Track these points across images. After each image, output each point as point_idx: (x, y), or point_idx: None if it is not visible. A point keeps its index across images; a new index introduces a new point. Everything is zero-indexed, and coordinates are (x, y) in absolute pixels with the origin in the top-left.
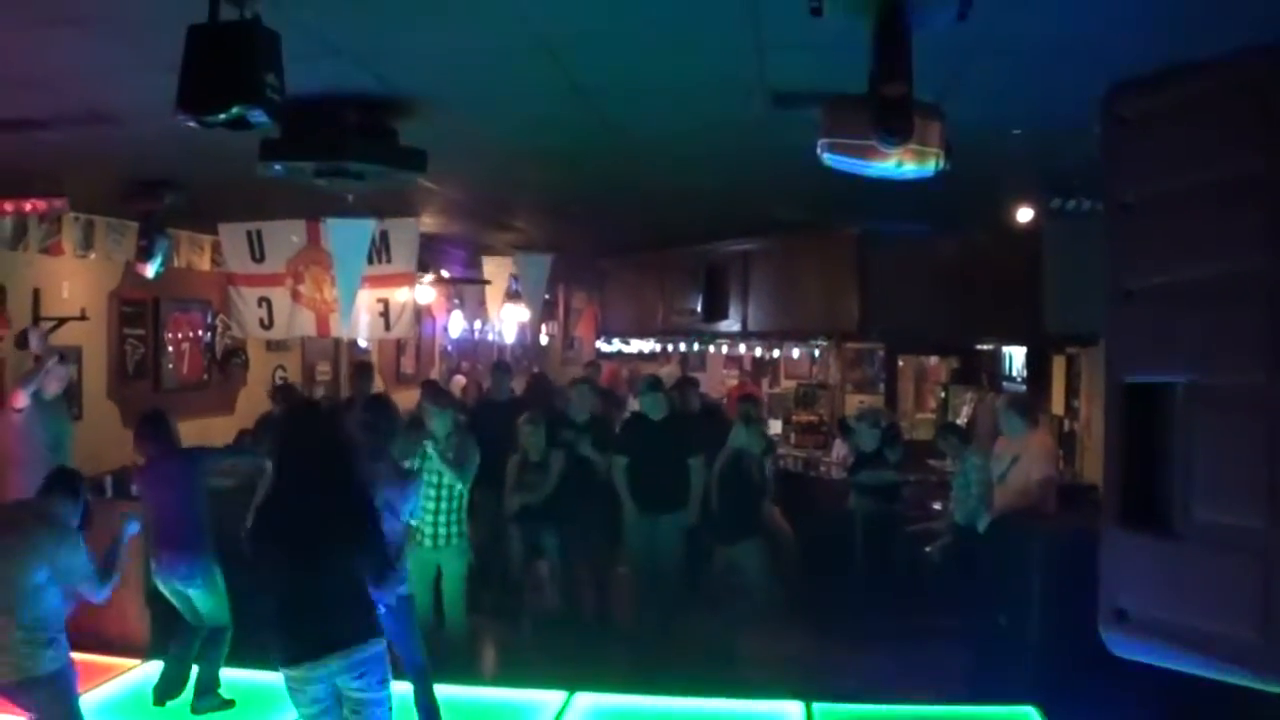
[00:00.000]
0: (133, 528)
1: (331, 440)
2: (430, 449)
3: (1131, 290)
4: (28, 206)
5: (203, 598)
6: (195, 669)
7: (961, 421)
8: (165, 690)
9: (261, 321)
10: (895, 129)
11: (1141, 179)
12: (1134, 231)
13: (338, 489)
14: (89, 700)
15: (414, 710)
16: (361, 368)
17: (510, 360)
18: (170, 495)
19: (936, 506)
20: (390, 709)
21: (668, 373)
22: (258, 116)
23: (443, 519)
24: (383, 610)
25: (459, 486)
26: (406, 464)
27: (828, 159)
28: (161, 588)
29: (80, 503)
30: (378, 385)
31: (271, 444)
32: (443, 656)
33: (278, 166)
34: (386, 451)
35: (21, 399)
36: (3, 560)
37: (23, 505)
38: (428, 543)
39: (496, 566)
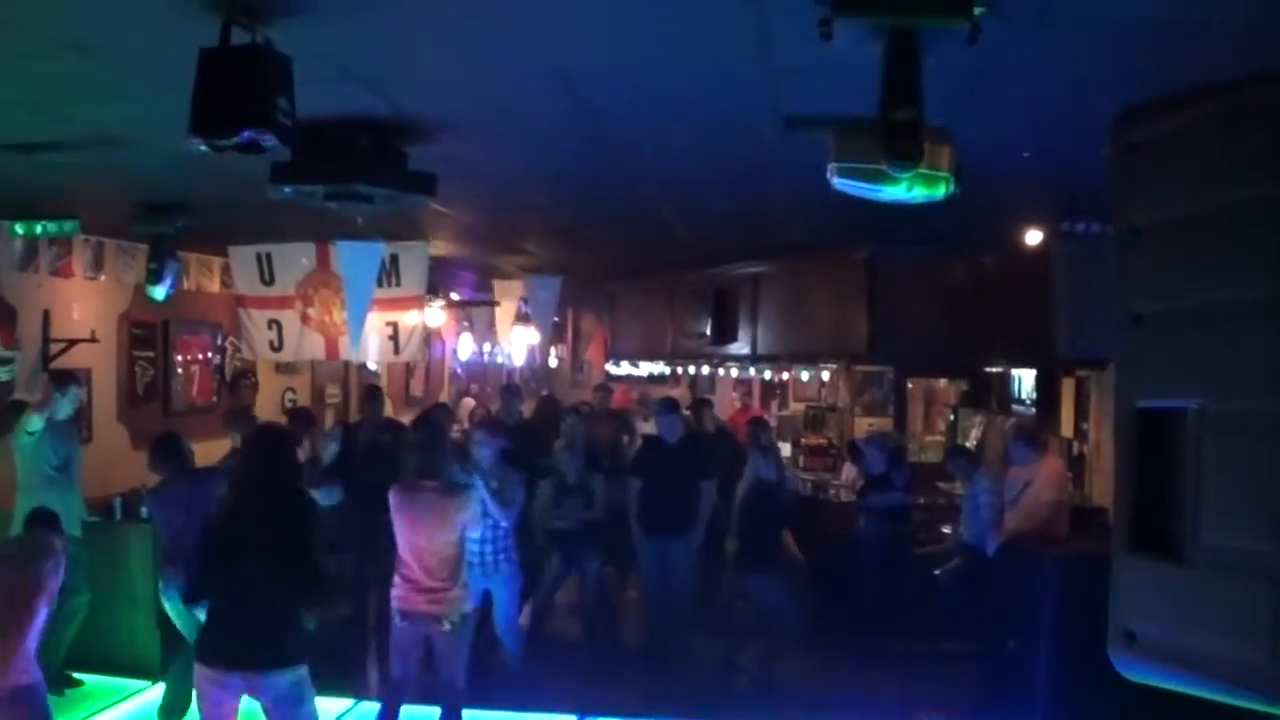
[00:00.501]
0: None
1: (279, 466)
2: (477, 480)
3: (1142, 315)
4: (38, 229)
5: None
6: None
7: (971, 444)
8: (169, 711)
9: (271, 344)
10: (905, 153)
11: (1151, 204)
12: (1144, 256)
13: (280, 511)
14: None
15: None
16: (371, 391)
17: (519, 383)
18: (181, 517)
19: (946, 529)
20: None
21: (678, 396)
22: (269, 141)
23: (489, 546)
24: (446, 627)
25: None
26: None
27: (838, 184)
28: (167, 607)
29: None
30: (387, 409)
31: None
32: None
33: (288, 189)
34: (440, 469)
35: (36, 423)
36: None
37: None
38: (476, 569)
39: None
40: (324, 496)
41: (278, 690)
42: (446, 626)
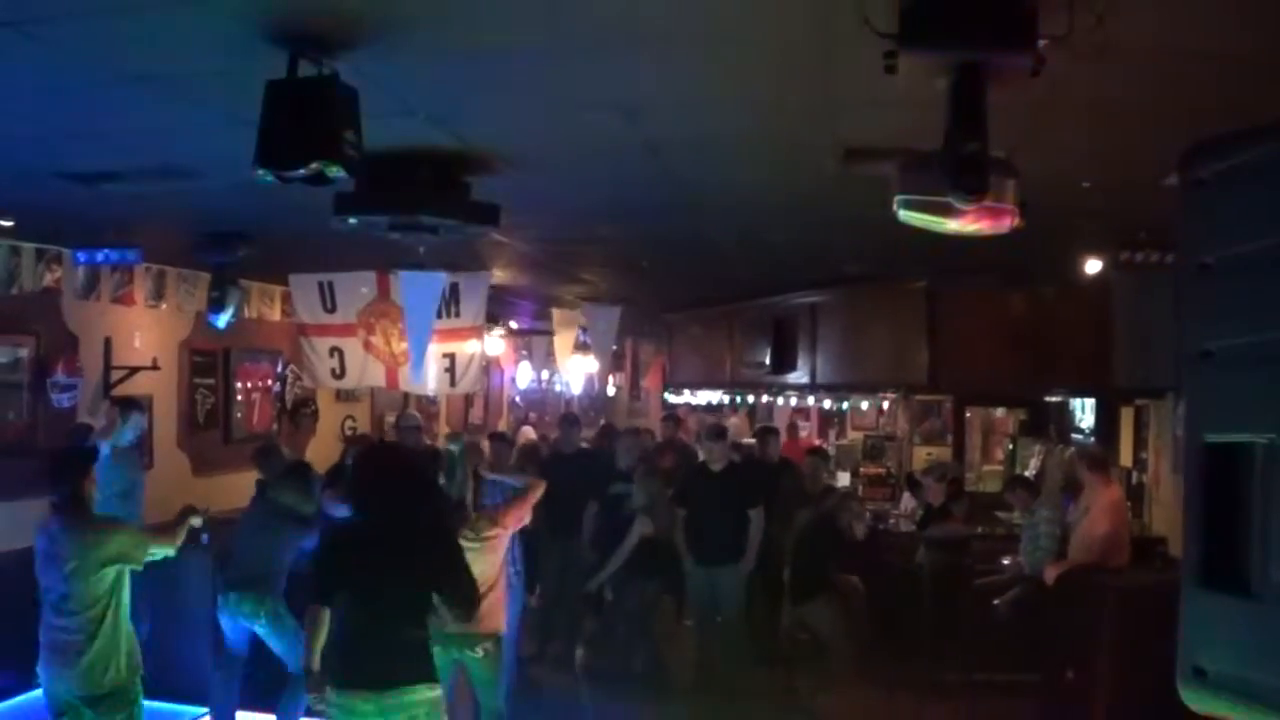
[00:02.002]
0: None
1: (413, 475)
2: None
3: (1210, 350)
4: (100, 257)
5: (271, 638)
6: (274, 716)
7: (1030, 474)
8: None
9: (333, 371)
10: (971, 186)
11: (1220, 239)
12: (1213, 292)
13: (421, 525)
14: None
15: None
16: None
17: (578, 411)
18: (248, 533)
19: (1005, 560)
20: None
21: (733, 424)
22: (336, 172)
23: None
24: (480, 653)
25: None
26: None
27: (903, 216)
28: (224, 624)
29: None
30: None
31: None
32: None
33: (352, 220)
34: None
35: (102, 449)
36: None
37: None
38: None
39: (561, 617)
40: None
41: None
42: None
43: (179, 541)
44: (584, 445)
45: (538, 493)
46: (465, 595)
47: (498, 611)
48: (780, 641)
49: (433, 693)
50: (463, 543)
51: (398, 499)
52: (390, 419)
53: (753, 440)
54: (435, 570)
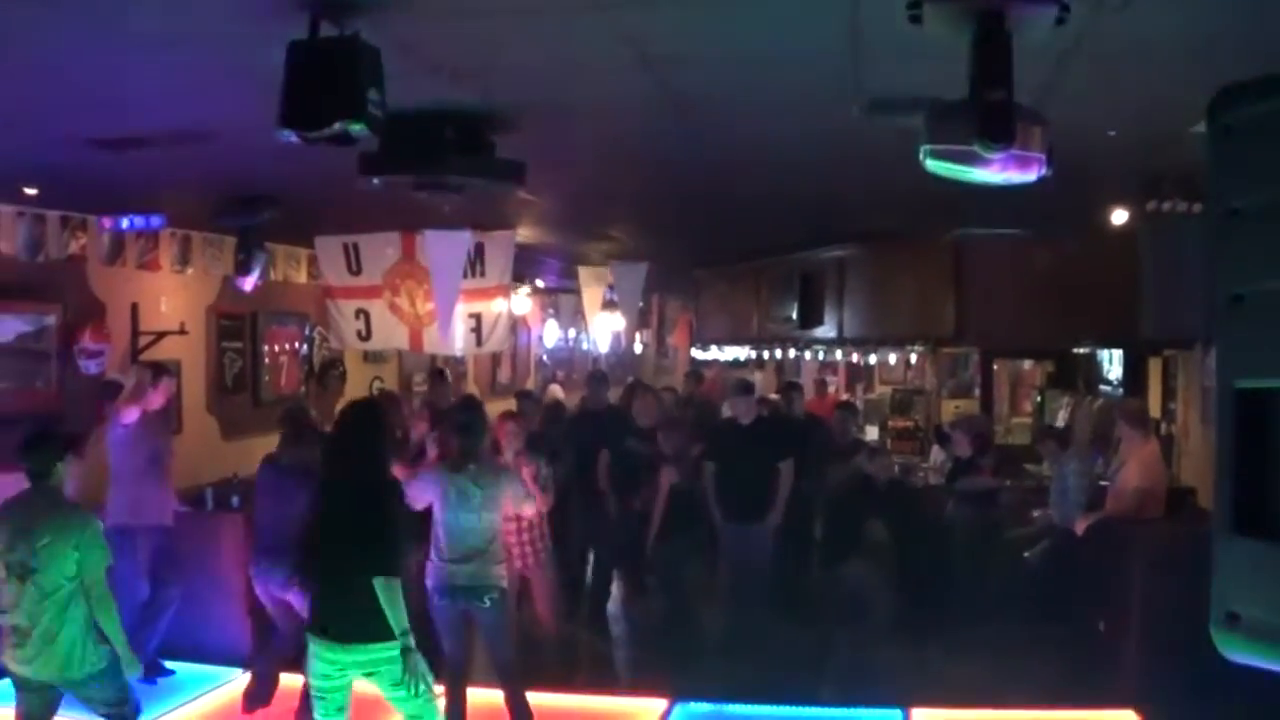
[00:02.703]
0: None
1: (363, 436)
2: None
3: (1241, 295)
4: (125, 223)
5: (303, 603)
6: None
7: (1058, 425)
8: (254, 699)
9: (359, 333)
10: (998, 134)
11: (1250, 184)
12: (1243, 236)
13: (363, 485)
14: (191, 709)
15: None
16: (438, 375)
17: (605, 369)
18: (276, 503)
19: (1034, 512)
20: (426, 702)
21: (759, 380)
22: (360, 131)
23: (525, 535)
24: (486, 603)
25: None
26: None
27: (930, 165)
28: (259, 593)
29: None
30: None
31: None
32: (541, 665)
33: (377, 180)
34: (478, 450)
35: (131, 415)
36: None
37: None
38: (517, 563)
39: (593, 575)
40: None
41: (374, 665)
42: (486, 602)
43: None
44: (611, 404)
45: (541, 508)
46: (380, 563)
47: (502, 563)
48: (814, 598)
49: (389, 651)
50: (465, 480)
51: (343, 459)
52: (419, 378)
53: (777, 395)
54: (366, 533)
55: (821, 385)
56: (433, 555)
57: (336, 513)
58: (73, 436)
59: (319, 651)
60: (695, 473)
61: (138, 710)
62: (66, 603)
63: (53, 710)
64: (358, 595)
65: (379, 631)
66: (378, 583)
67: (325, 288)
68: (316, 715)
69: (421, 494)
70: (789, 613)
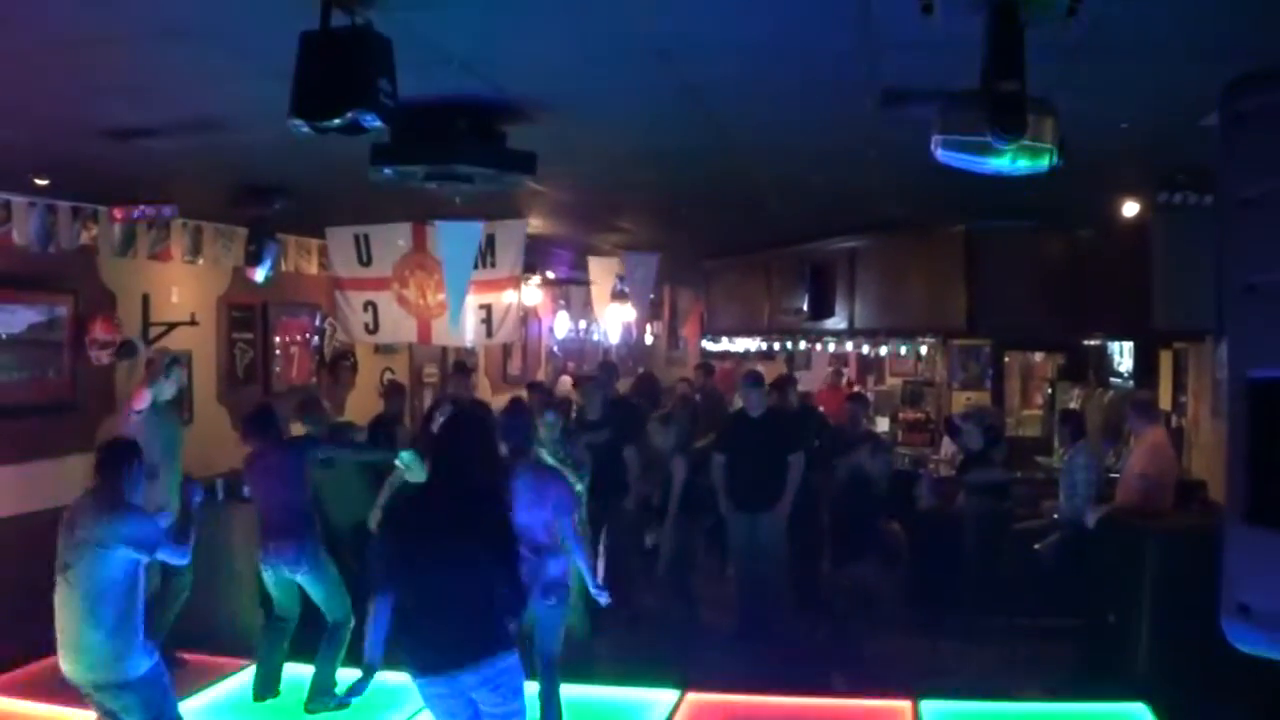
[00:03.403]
0: (197, 494)
1: (487, 450)
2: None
3: (1254, 284)
4: (136, 213)
5: (313, 585)
6: (313, 667)
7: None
8: (263, 688)
9: (366, 326)
10: (1010, 125)
11: (1262, 174)
12: (1256, 226)
13: (483, 499)
14: (202, 700)
15: (537, 702)
16: (459, 366)
17: (616, 360)
18: (277, 485)
19: (1045, 504)
20: (524, 715)
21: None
22: (371, 121)
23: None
24: (553, 600)
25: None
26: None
27: (941, 156)
28: (268, 579)
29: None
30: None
31: (429, 444)
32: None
33: (388, 171)
34: (529, 449)
35: (143, 400)
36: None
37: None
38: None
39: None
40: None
41: (498, 678)
42: (553, 599)
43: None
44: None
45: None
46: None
47: (562, 561)
48: (823, 591)
49: (510, 659)
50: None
51: (460, 470)
52: (429, 370)
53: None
54: (487, 546)
55: (837, 375)
56: None
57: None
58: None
59: (427, 691)
60: (701, 464)
61: None
62: (95, 603)
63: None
64: (474, 615)
65: (497, 641)
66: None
67: (335, 279)
68: None
69: None
70: (797, 604)
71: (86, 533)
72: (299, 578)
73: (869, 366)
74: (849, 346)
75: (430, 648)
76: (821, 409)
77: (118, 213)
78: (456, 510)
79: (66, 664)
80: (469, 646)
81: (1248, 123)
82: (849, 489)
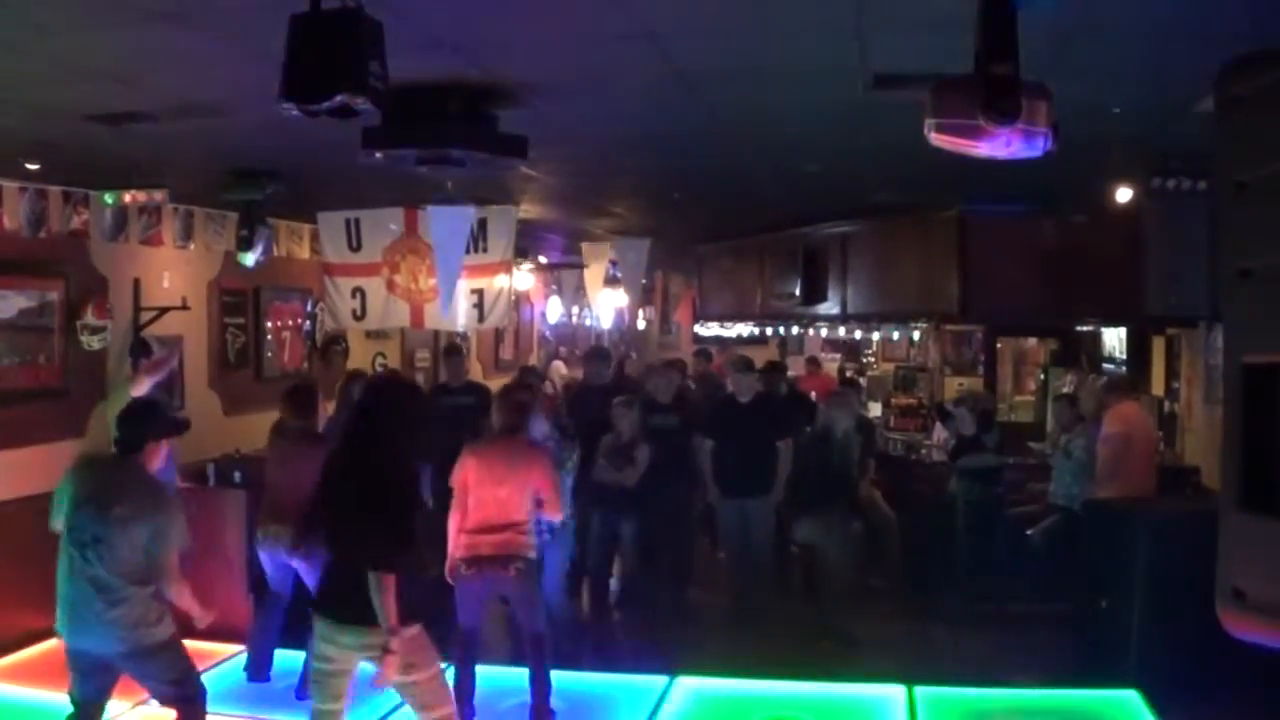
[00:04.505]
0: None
1: (390, 417)
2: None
3: (1249, 269)
4: (127, 198)
5: (309, 573)
6: (305, 654)
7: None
8: (256, 670)
9: (354, 312)
10: (1004, 108)
11: (1257, 158)
12: (1250, 210)
13: (378, 462)
14: None
15: (527, 683)
16: (451, 349)
17: (608, 345)
18: (300, 470)
19: (1038, 489)
20: (439, 684)
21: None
22: (362, 104)
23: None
24: (513, 572)
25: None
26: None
27: (934, 139)
28: (264, 560)
29: None
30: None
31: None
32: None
33: (379, 155)
34: (525, 428)
35: (143, 386)
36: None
37: None
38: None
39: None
40: None
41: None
42: (513, 571)
43: None
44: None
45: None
46: (382, 549)
47: (526, 534)
48: (790, 569)
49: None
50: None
51: (366, 435)
52: (421, 355)
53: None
54: (380, 515)
55: (813, 362)
56: (459, 533)
57: (351, 490)
58: (177, 422)
59: (321, 630)
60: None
61: (202, 692)
62: (129, 573)
63: (107, 691)
64: (364, 576)
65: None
66: (372, 576)
67: (324, 265)
68: (313, 701)
69: (458, 470)
70: (786, 584)
71: (125, 510)
72: (295, 564)
73: (858, 351)
74: (841, 331)
75: (329, 598)
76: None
77: (109, 197)
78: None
79: (87, 637)
80: (354, 609)
81: (1243, 106)
82: (810, 445)
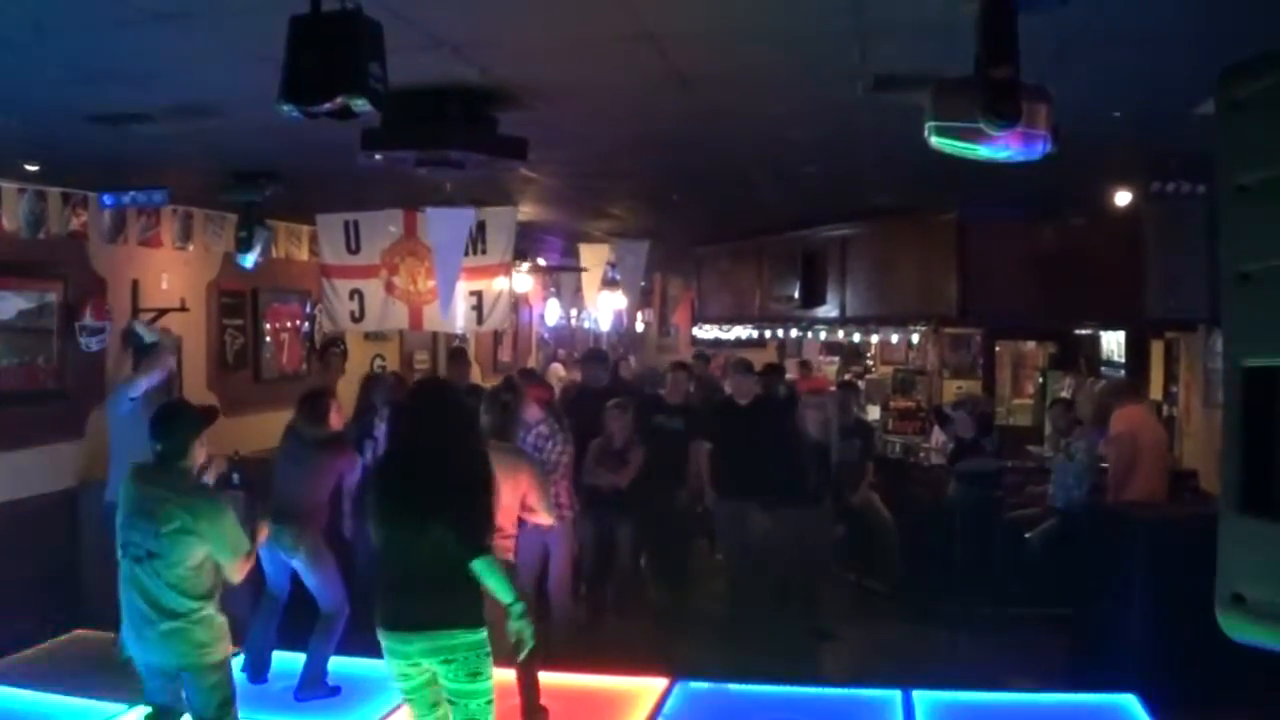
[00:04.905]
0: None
1: (449, 412)
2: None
3: (1248, 273)
4: (127, 199)
5: (307, 573)
6: (305, 655)
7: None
8: (254, 671)
9: (352, 314)
10: (1004, 112)
11: (1258, 161)
12: (1250, 213)
13: (449, 459)
14: None
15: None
16: (456, 353)
17: (607, 348)
18: (307, 473)
19: (1036, 492)
20: (487, 702)
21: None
22: (362, 106)
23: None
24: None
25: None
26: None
27: (934, 142)
28: (264, 561)
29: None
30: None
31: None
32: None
33: (378, 156)
34: (512, 433)
35: (140, 387)
36: None
37: None
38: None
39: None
40: None
41: (451, 653)
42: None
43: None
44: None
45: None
46: (468, 537)
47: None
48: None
49: (474, 635)
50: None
51: (429, 435)
52: (420, 356)
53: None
54: (457, 510)
55: (805, 365)
56: None
57: (417, 490)
58: (207, 409)
59: (390, 645)
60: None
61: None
62: (187, 588)
63: (180, 697)
64: (424, 579)
65: (459, 616)
66: (478, 563)
67: (322, 267)
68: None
69: None
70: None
71: (176, 524)
72: (294, 563)
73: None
74: (840, 335)
75: (392, 607)
76: None
77: (108, 199)
78: (422, 473)
79: (149, 652)
80: (425, 614)
81: (1243, 109)
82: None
